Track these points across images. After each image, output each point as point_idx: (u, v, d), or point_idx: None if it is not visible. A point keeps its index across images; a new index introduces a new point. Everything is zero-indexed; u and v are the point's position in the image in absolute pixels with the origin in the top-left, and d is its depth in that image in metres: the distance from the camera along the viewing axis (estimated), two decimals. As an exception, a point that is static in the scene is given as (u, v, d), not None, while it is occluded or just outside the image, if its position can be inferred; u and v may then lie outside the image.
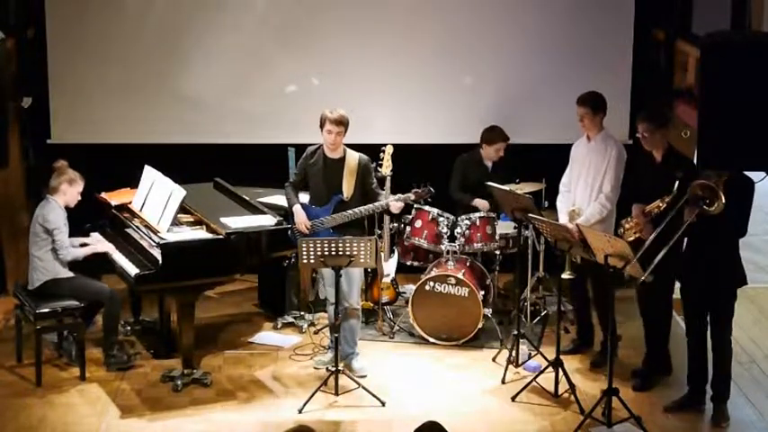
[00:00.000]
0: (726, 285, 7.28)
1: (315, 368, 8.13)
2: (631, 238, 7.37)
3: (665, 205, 7.20)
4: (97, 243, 8.25)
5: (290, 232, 7.96)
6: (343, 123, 7.79)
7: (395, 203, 7.99)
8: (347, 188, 7.88)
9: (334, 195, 7.89)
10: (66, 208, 8.05)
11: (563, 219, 8.13)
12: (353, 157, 7.92)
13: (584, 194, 8.13)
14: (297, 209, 7.95)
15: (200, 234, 7.95)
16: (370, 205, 7.95)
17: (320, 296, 8.48)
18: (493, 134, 9.12)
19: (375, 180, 8.04)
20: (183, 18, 9.53)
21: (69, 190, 8.00)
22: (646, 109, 7.88)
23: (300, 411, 7.49)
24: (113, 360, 8.05)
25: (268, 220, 8.08)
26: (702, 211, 6.87)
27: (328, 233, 7.82)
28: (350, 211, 7.88)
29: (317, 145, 7.97)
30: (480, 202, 8.98)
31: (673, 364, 8.00)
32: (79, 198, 8.09)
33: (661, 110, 7.96)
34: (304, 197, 8.14)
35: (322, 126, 7.83)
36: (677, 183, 7.10)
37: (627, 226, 7.56)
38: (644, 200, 7.51)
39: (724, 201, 6.77)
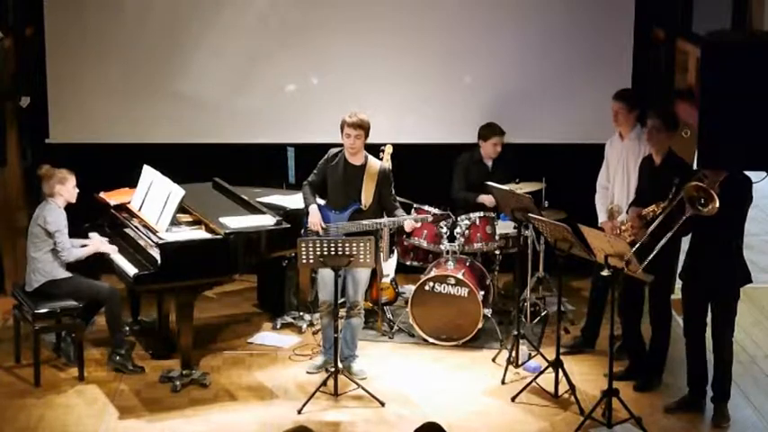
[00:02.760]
0: (726, 285, 7.26)
1: (308, 372, 8.08)
2: (627, 240, 7.34)
3: (659, 210, 7.18)
4: (99, 243, 8.21)
5: (302, 231, 7.91)
6: (362, 127, 7.71)
7: (409, 223, 7.91)
8: (366, 197, 7.80)
9: (351, 203, 7.83)
10: (69, 205, 8.03)
11: (602, 217, 8.13)
12: (374, 166, 7.84)
13: (621, 192, 8.14)
14: (313, 208, 7.85)
15: (199, 234, 7.93)
16: (386, 219, 7.87)
17: (320, 297, 8.41)
18: (487, 130, 9.14)
19: (394, 192, 7.96)
20: (182, 17, 9.52)
21: (64, 189, 7.97)
22: (661, 106, 7.83)
23: (300, 412, 7.47)
24: (117, 359, 8.01)
25: (267, 220, 8.05)
26: (697, 212, 6.86)
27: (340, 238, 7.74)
28: (366, 222, 7.78)
29: (340, 148, 7.88)
30: (485, 198, 8.95)
31: (673, 364, 7.98)
32: (77, 191, 8.06)
33: (674, 113, 7.92)
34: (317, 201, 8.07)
35: (342, 130, 7.76)
36: (674, 189, 7.08)
37: (623, 228, 7.54)
38: (642, 203, 7.49)
39: (718, 203, 6.75)
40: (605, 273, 7.76)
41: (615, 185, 8.21)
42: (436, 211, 8.70)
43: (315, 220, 7.81)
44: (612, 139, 8.29)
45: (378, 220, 7.84)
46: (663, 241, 7.05)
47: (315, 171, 7.98)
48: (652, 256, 7.03)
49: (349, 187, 7.82)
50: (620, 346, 8.13)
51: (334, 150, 7.92)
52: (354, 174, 7.82)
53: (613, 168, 8.22)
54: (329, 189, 7.91)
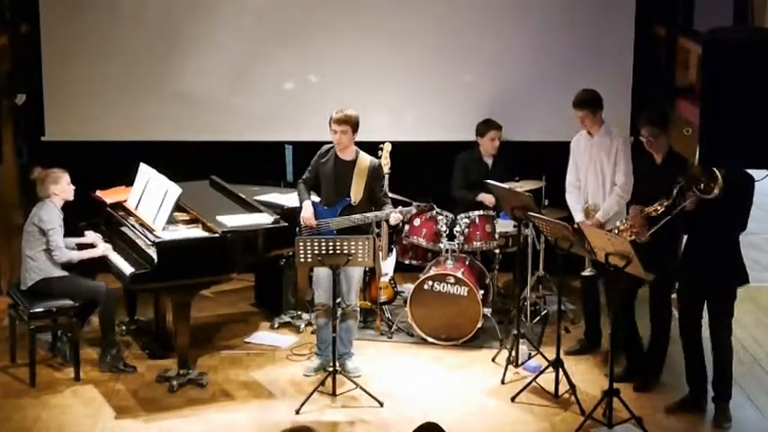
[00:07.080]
0: (724, 284, 7.22)
1: (305, 375, 8.02)
2: (628, 240, 7.28)
3: (662, 209, 7.14)
4: (93, 249, 8.12)
5: (297, 228, 7.87)
6: (347, 122, 7.69)
7: (395, 216, 7.90)
8: (355, 192, 7.77)
9: (341, 199, 7.80)
10: (66, 203, 7.98)
11: (579, 217, 8.07)
12: (365, 161, 7.82)
13: (596, 190, 8.10)
14: (306, 203, 7.85)
15: (196, 233, 7.88)
16: (371, 214, 7.84)
17: (315, 298, 8.35)
18: (483, 125, 9.13)
19: (384, 188, 7.93)
20: (180, 15, 9.47)
21: (58, 188, 7.94)
22: (648, 112, 7.76)
23: (298, 412, 7.43)
24: (108, 360, 7.98)
25: (265, 219, 8.01)
26: (701, 195, 6.80)
27: (333, 234, 7.71)
28: (354, 217, 7.76)
29: (332, 144, 7.87)
30: (485, 197, 8.91)
31: (673, 364, 7.93)
32: (73, 188, 8.02)
33: (663, 112, 7.87)
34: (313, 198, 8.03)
35: (330, 127, 7.75)
36: (677, 188, 7.03)
37: (622, 227, 7.49)
38: (643, 201, 7.43)
39: (722, 184, 6.69)
40: (586, 272, 7.76)
41: (589, 184, 8.16)
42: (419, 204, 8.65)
43: (307, 215, 7.80)
44: (579, 137, 8.24)
45: (364, 215, 7.81)
46: (664, 220, 7.01)
47: (309, 168, 7.99)
48: (657, 255, 6.99)
49: (339, 183, 7.80)
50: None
51: (326, 147, 7.92)
52: (344, 169, 7.80)
53: (585, 167, 8.17)
54: (322, 185, 7.92)
